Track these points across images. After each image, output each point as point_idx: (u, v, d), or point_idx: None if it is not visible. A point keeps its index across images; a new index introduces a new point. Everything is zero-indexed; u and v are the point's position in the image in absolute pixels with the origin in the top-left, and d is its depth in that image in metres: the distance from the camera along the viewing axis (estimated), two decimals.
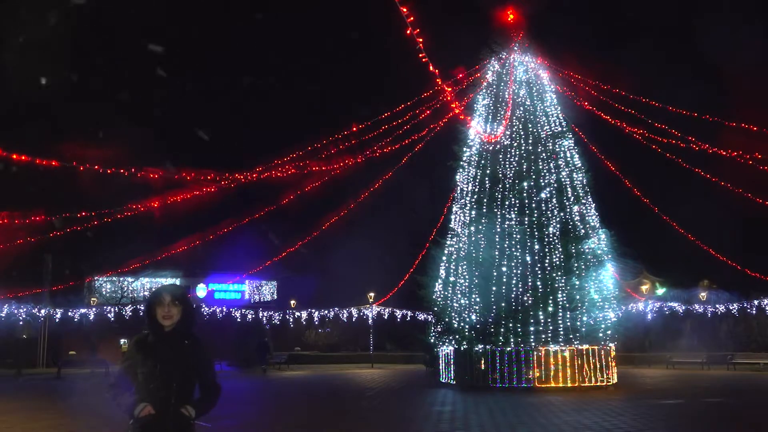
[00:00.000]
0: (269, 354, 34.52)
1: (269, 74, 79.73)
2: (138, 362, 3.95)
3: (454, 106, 19.37)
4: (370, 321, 41.29)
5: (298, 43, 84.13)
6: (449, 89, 20.20)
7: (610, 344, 20.95)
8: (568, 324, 20.09)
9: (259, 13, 69.13)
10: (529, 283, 20.49)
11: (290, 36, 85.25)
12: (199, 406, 4.02)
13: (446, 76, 21.64)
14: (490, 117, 24.01)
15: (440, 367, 22.66)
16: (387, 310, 41.91)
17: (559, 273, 20.60)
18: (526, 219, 21.35)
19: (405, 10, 10.94)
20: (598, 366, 20.12)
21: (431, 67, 13.15)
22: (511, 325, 20.20)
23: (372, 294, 40.84)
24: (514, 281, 20.67)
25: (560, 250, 20.90)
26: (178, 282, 45.94)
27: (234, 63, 78.26)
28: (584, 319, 20.35)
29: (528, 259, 20.77)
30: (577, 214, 21.85)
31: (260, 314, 39.37)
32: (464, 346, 21.01)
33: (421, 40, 11.83)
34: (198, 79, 73.60)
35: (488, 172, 22.75)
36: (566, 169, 22.51)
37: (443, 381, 22.14)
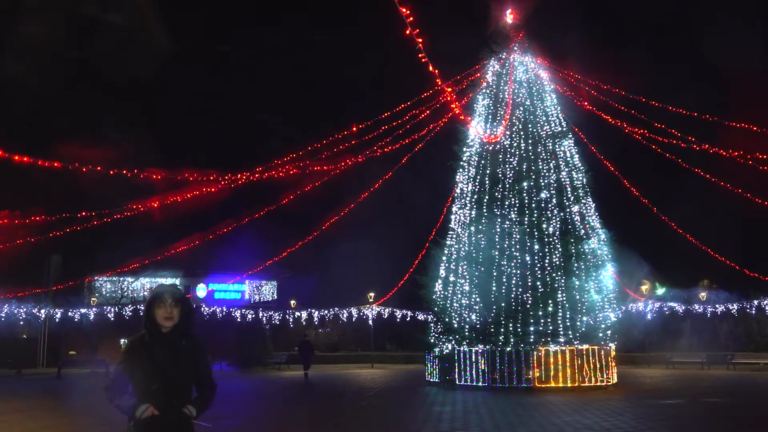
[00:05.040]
0: (313, 354, 31.67)
1: (268, 74, 79.73)
2: (135, 364, 3.93)
3: (453, 106, 19.36)
4: (370, 321, 41.27)
5: (297, 42, 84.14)
6: (449, 89, 20.19)
7: (610, 344, 20.98)
8: (568, 324, 20.11)
9: (259, 11, 69.13)
10: (529, 283, 20.51)
11: (289, 36, 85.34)
12: (198, 405, 4.03)
13: (446, 76, 21.65)
14: (490, 117, 24.00)
15: (440, 367, 22.64)
16: (387, 310, 41.87)
17: (559, 273, 20.63)
18: (526, 219, 21.36)
19: (405, 10, 10.94)
20: (598, 366, 20.13)
21: (431, 67, 13.17)
22: (511, 325, 20.22)
23: (372, 294, 40.81)
24: (514, 281, 20.68)
25: (560, 250, 20.93)
26: (178, 282, 45.94)
27: (233, 62, 78.28)
28: (584, 319, 20.37)
29: (528, 259, 20.79)
30: (577, 214, 21.87)
31: (260, 314, 39.31)
32: (464, 346, 21.03)
33: (420, 40, 11.84)
34: (196, 78, 73.61)
35: (488, 172, 22.75)
36: (566, 169, 22.53)
37: (442, 381, 22.11)
